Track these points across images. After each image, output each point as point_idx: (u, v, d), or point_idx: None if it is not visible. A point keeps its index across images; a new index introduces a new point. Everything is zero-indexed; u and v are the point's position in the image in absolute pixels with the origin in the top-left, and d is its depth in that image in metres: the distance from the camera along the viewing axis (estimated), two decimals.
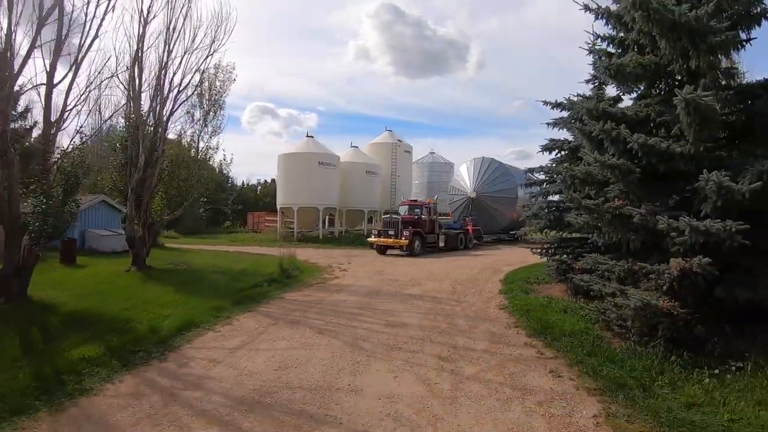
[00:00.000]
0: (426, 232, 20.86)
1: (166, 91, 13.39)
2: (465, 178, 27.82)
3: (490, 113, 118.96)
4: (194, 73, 13.83)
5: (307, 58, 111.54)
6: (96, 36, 9.82)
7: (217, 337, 6.84)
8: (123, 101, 13.31)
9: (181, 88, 13.73)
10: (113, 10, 10.06)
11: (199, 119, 15.15)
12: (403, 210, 21.60)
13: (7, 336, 6.46)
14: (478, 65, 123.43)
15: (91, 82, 9.99)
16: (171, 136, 14.99)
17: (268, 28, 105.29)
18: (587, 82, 10.45)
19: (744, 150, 6.53)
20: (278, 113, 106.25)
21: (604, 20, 7.86)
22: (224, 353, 6.05)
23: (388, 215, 21.63)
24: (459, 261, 17.70)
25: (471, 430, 3.99)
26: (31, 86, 9.33)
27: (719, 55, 6.56)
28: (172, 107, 13.89)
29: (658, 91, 7.20)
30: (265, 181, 53.33)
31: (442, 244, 21.51)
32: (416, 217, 20.91)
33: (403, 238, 19.31)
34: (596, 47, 8.63)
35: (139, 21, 12.58)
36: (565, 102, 10.26)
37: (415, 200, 24.38)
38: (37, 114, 12.12)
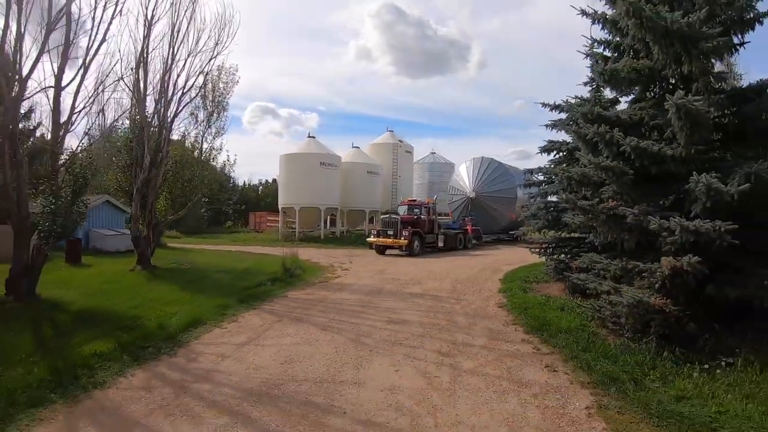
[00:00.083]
0: (425, 232, 20.85)
1: (170, 93, 13.62)
2: (464, 178, 27.89)
3: (491, 113, 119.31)
4: (198, 75, 14.08)
5: (307, 57, 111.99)
6: (104, 40, 10.07)
7: (224, 334, 7.05)
8: (128, 103, 13.52)
9: (185, 90, 13.99)
10: (121, 15, 10.30)
11: (203, 121, 15.42)
12: (403, 210, 21.54)
13: (19, 333, 6.65)
14: (479, 65, 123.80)
15: (100, 84, 10.19)
16: (175, 137, 15.22)
17: (269, 27, 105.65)
18: (585, 84, 10.63)
19: (736, 152, 6.72)
20: (279, 113, 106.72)
21: (601, 25, 8.06)
22: (231, 348, 6.26)
23: (387, 215, 21.63)
24: (459, 261, 17.89)
25: (468, 419, 4.20)
26: (40, 89, 9.56)
27: (712, 60, 6.77)
28: (177, 109, 14.14)
29: (652, 94, 7.39)
30: (266, 181, 53.66)
31: (441, 244, 21.54)
32: (415, 217, 20.89)
33: (403, 238, 19.30)
34: (594, 50, 8.83)
35: (144, 24, 12.80)
36: (563, 104, 10.45)
37: (414, 200, 24.36)
38: (40, 115, 12.25)
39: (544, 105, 10.83)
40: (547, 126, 11.23)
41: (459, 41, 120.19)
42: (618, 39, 8.05)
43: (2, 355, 5.61)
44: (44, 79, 9.23)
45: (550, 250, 11.40)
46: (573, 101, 10.30)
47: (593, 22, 8.12)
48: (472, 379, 5.20)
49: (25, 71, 8.81)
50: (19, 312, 8.00)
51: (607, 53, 8.52)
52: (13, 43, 8.66)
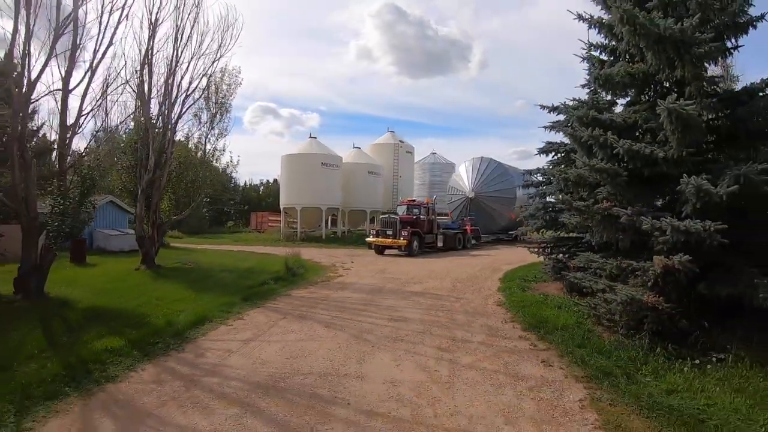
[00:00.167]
0: (424, 232, 20.88)
1: (174, 95, 13.83)
2: (464, 178, 27.98)
3: (492, 113, 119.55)
4: (201, 77, 14.28)
5: (308, 57, 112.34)
6: (110, 43, 10.28)
7: (230, 331, 7.25)
8: (133, 105, 13.73)
9: (188, 93, 14.19)
10: (127, 19, 10.51)
11: (206, 122, 15.61)
12: (402, 210, 21.55)
13: (30, 330, 6.83)
14: (480, 65, 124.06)
15: (108, 87, 10.39)
16: (178, 137, 15.39)
17: (270, 27, 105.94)
18: (583, 86, 10.81)
19: (729, 154, 6.92)
20: (280, 113, 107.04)
21: (597, 29, 8.26)
22: (238, 344, 6.46)
23: (387, 215, 21.66)
24: (458, 260, 18.08)
25: (466, 410, 4.40)
26: (48, 91, 9.76)
27: (705, 64, 6.95)
28: (180, 110, 14.34)
29: (647, 98, 7.58)
30: (268, 181, 53.90)
31: (440, 244, 21.60)
32: (414, 217, 20.92)
33: (402, 238, 19.33)
34: (591, 53, 9.01)
35: (149, 27, 13.01)
36: (562, 106, 10.62)
37: (414, 200, 24.40)
38: (44, 115, 12.51)
39: (543, 107, 10.99)
40: (545, 128, 11.40)
41: (460, 41, 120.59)
42: (614, 43, 8.25)
43: (16, 351, 5.79)
44: (52, 83, 9.46)
45: (549, 249, 11.58)
46: (571, 103, 10.48)
47: (590, 27, 8.32)
48: (470, 373, 5.40)
49: (33, 74, 9.03)
50: (28, 310, 8.17)
51: (604, 57, 8.71)
52: (21, 46, 8.87)
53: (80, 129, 10.30)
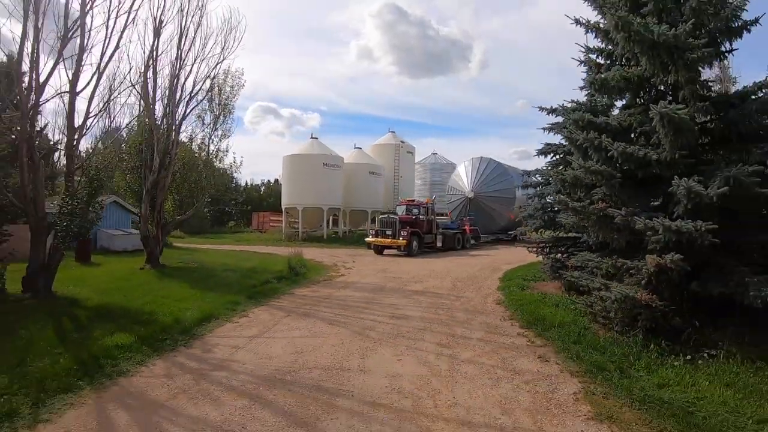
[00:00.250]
0: (424, 232, 20.93)
1: (178, 97, 14.01)
2: (463, 178, 28.07)
3: (492, 113, 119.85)
4: (205, 80, 14.47)
5: (309, 57, 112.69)
6: (117, 47, 10.49)
7: (236, 328, 7.46)
8: (138, 107, 13.95)
9: (192, 94, 14.39)
10: (134, 23, 10.71)
11: (209, 123, 15.76)
12: (401, 210, 21.58)
13: (41, 327, 7.01)
14: (480, 65, 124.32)
15: (114, 90, 10.60)
16: (182, 138, 15.60)
17: (270, 27, 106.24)
18: (582, 89, 10.99)
19: (722, 156, 7.10)
20: (281, 113, 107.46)
21: (594, 34, 8.43)
22: (244, 341, 6.66)
23: (386, 215, 21.69)
24: (459, 260, 18.27)
25: (465, 402, 4.61)
26: (56, 94, 9.96)
27: (700, 67, 7.12)
28: (184, 112, 14.53)
29: (641, 101, 7.76)
30: (269, 181, 54.12)
31: (439, 244, 21.67)
32: (414, 217, 20.97)
33: (401, 238, 19.39)
34: (589, 56, 9.18)
35: (154, 31, 13.19)
36: (560, 108, 10.80)
37: (413, 200, 24.41)
38: (46, 116, 12.69)
39: (542, 109, 11.17)
40: (544, 129, 11.59)
41: (460, 41, 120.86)
42: (610, 47, 8.42)
43: (28, 348, 5.96)
44: (61, 86, 9.66)
45: (547, 249, 11.77)
46: (569, 105, 10.66)
47: (586, 31, 8.50)
48: (469, 367, 5.61)
49: (42, 78, 9.24)
50: (36, 308, 8.34)
51: (600, 60, 8.88)
52: (30, 50, 9.08)
53: (87, 131, 10.55)
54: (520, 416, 4.32)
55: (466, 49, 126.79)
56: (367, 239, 21.57)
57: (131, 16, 10.56)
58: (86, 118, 10.11)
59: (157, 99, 13.80)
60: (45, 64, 9.28)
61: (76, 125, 10.10)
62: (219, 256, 18.09)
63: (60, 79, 9.63)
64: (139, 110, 14.02)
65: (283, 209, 29.71)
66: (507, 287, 11.20)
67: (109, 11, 10.20)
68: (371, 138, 36.23)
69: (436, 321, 7.93)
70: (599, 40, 8.52)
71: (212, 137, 15.91)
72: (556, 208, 11.23)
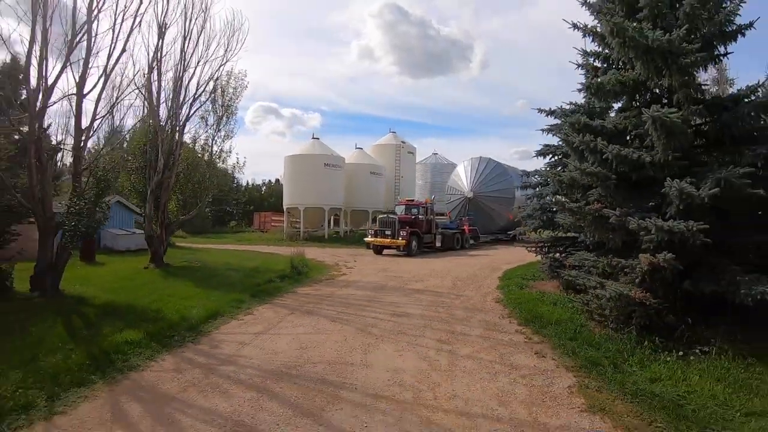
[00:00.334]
0: (423, 232, 20.94)
1: (181, 99, 14.21)
2: (462, 178, 28.11)
3: (493, 113, 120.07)
4: (208, 82, 14.67)
5: (309, 57, 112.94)
6: (123, 50, 10.69)
7: (241, 325, 7.66)
8: (142, 109, 14.15)
9: (196, 96, 14.58)
10: (140, 26, 10.91)
11: (213, 124, 15.96)
12: (400, 210, 21.59)
13: (51, 325, 7.19)
14: (481, 65, 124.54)
15: (122, 92, 10.80)
16: (185, 139, 15.78)
17: (271, 27, 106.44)
18: (579, 91, 11.17)
19: (716, 158, 7.27)
20: (282, 113, 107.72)
21: (591, 38, 8.61)
22: (250, 337, 6.87)
23: (385, 215, 21.69)
24: (458, 260, 18.44)
25: (463, 394, 4.81)
26: (63, 96, 10.16)
27: (695, 71, 7.30)
28: (188, 113, 14.73)
29: (637, 104, 7.95)
30: (270, 181, 54.29)
31: (438, 244, 21.69)
32: (413, 216, 20.99)
33: (400, 238, 19.40)
34: (587, 59, 9.36)
35: (158, 34, 13.40)
36: (558, 110, 10.98)
37: (412, 200, 24.39)
38: (50, 116, 12.81)
39: (540, 111, 11.36)
40: (543, 130, 11.77)
41: (461, 41, 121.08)
42: (607, 51, 8.60)
43: (40, 344, 6.14)
44: (68, 89, 9.86)
45: (546, 249, 11.94)
46: (567, 107, 10.84)
47: (584, 35, 8.68)
48: (468, 362, 5.80)
49: (50, 80, 9.44)
50: (45, 307, 8.51)
51: (598, 64, 9.07)
52: (38, 53, 9.27)
53: (93, 132, 10.75)
54: (517, 408, 4.51)
55: (467, 49, 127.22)
56: (366, 239, 21.57)
57: (137, 20, 10.76)
58: (93, 120, 10.31)
59: (161, 101, 14.02)
60: (53, 68, 9.49)
61: (83, 127, 10.32)
62: (222, 256, 18.28)
63: (67, 82, 9.86)
64: (143, 112, 14.24)
65: (285, 209, 29.88)
66: (506, 286, 11.38)
67: (115, 15, 10.42)
68: (372, 138, 36.51)
69: (436, 318, 8.13)
70: (596, 44, 8.71)
71: (215, 138, 16.12)
72: (554, 209, 11.40)
